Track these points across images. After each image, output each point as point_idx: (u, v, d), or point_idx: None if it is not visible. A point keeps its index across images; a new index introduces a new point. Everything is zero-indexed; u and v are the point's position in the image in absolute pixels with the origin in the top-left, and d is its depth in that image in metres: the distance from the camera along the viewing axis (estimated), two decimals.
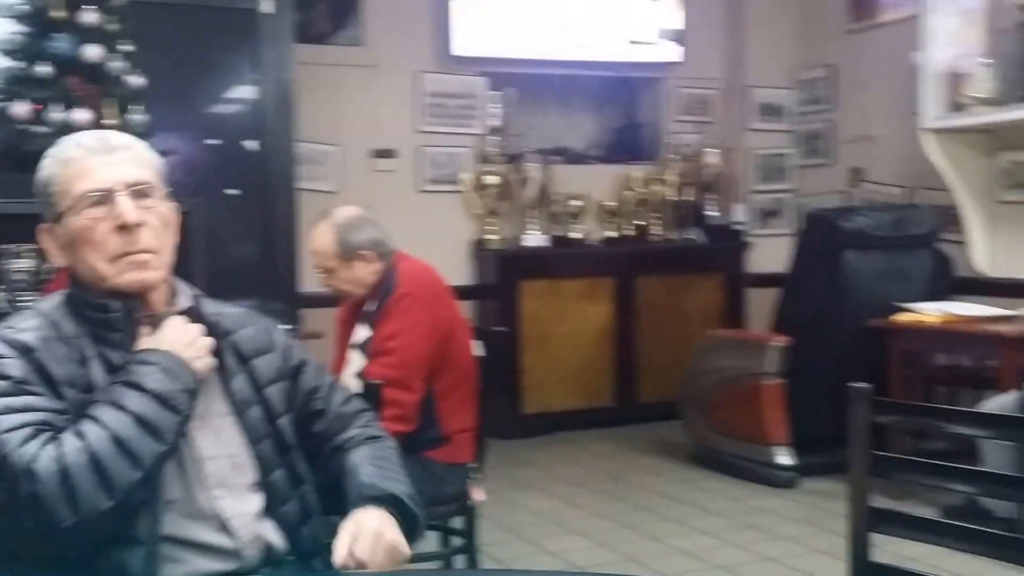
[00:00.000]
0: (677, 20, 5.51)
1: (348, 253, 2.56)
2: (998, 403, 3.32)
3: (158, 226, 1.42)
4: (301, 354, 1.60)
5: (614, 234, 5.47)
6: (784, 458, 4.07)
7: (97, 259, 1.39)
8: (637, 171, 5.56)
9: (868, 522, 1.57)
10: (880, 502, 1.59)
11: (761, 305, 5.12)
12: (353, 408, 1.62)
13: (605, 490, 4.12)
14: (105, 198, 1.38)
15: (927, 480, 1.58)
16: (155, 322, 1.42)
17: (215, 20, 4.29)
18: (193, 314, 1.46)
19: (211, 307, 1.52)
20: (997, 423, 1.75)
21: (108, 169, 1.39)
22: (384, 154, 5.13)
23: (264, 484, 1.47)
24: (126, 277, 1.39)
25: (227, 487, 1.42)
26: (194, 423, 1.40)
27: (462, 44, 5.13)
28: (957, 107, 4.34)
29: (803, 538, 3.46)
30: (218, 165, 4.35)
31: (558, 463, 4.59)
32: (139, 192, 1.40)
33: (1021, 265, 4.39)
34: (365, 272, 2.58)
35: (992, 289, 4.34)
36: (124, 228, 1.38)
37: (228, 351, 1.49)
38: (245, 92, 4.45)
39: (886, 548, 1.62)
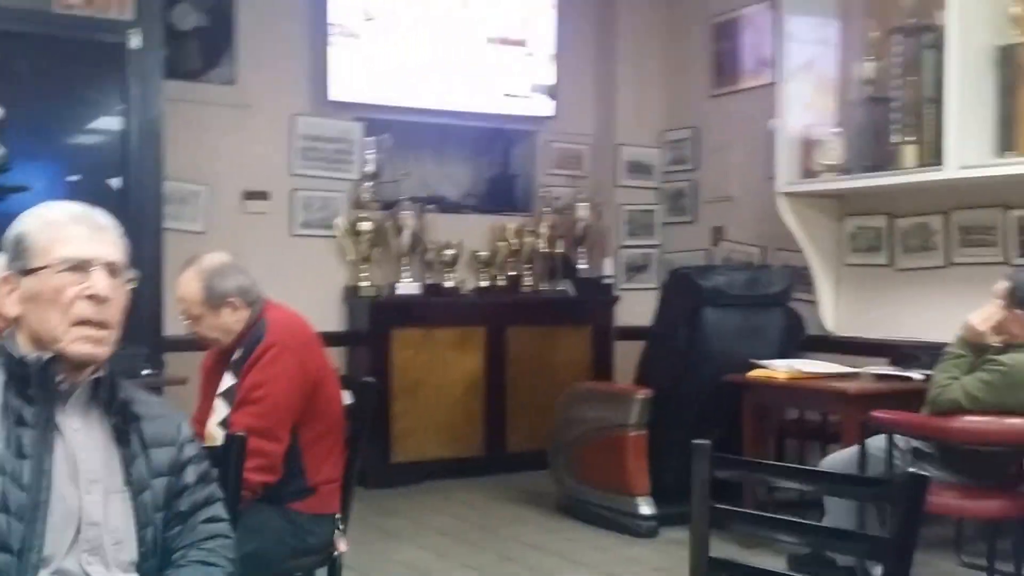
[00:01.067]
0: (550, 76, 5.67)
1: (215, 300, 2.51)
2: (839, 457, 3.47)
3: (118, 306, 1.51)
4: (199, 452, 1.61)
5: (486, 284, 5.53)
6: (646, 508, 4.16)
7: (59, 320, 1.45)
8: (510, 222, 5.65)
9: (708, 571, 1.65)
10: (731, 551, 1.67)
11: (628, 357, 5.24)
12: (212, 531, 1.57)
13: (473, 540, 4.11)
14: (82, 267, 1.47)
15: (763, 532, 1.68)
16: (70, 388, 1.47)
17: (80, 53, 4.13)
18: (104, 388, 1.50)
19: (126, 388, 1.56)
20: (823, 479, 1.87)
21: (91, 243, 1.50)
22: (256, 196, 5.05)
23: (143, 568, 1.48)
24: (79, 347, 1.46)
25: (101, 556, 1.44)
26: (92, 486, 1.43)
27: (338, 89, 5.14)
28: (809, 173, 4.62)
29: None
30: (79, 202, 4.18)
31: (427, 512, 4.56)
32: (112, 271, 1.50)
33: (865, 325, 4.67)
34: (232, 320, 2.53)
35: (839, 347, 4.59)
36: (93, 298, 1.46)
37: (134, 434, 1.52)
38: (110, 127, 4.30)
39: None
